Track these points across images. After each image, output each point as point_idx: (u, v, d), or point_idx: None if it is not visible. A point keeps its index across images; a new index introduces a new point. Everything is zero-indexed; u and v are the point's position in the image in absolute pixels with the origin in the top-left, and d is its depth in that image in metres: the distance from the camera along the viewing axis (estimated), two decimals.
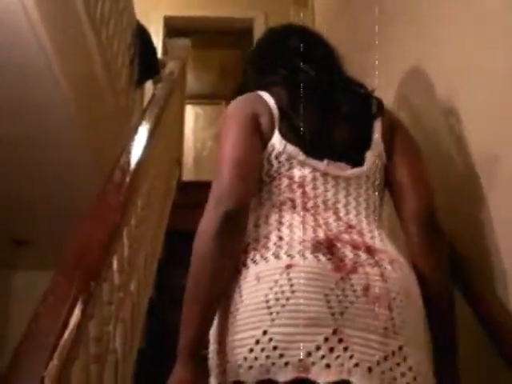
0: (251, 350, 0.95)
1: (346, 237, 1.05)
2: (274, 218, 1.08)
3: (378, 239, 1.09)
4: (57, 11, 2.55)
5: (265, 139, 1.13)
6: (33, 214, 3.75)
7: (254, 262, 1.02)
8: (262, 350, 0.94)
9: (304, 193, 1.10)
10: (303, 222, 1.05)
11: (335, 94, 1.21)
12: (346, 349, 0.92)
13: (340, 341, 0.93)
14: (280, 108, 1.15)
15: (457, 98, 1.36)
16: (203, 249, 1.03)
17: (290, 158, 1.13)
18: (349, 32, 2.49)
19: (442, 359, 1.08)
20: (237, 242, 1.05)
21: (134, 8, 3.82)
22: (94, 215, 1.53)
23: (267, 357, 0.93)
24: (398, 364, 0.94)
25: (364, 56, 2.05)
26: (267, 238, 1.04)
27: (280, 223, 1.06)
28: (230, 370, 0.97)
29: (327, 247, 1.01)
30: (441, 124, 1.45)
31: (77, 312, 1.14)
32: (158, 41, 4.97)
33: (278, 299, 0.96)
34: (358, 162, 1.15)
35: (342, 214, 1.10)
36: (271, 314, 0.95)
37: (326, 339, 0.93)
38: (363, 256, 1.02)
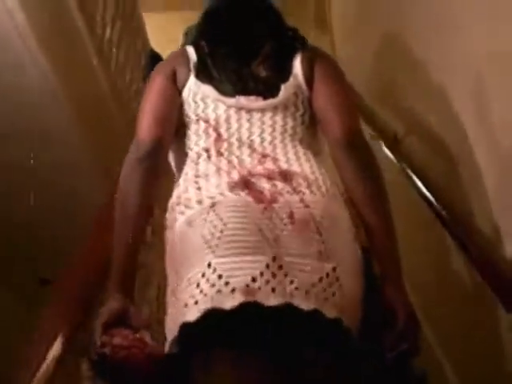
0: (198, 285, 0.97)
1: (259, 169, 1.09)
2: (191, 173, 1.15)
3: (293, 161, 1.12)
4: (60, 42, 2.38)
5: (181, 86, 1.22)
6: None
7: (181, 213, 1.08)
8: (207, 280, 0.96)
9: (219, 136, 1.17)
10: (218, 169, 1.11)
11: (255, 35, 1.28)
12: (286, 275, 0.97)
13: (280, 267, 0.97)
14: (199, 55, 1.24)
15: (485, 84, 1.41)
16: (126, 183, 1.13)
17: (204, 98, 1.20)
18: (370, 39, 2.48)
19: (385, 274, 1.10)
20: (156, 177, 1.15)
21: (147, 34, 3.68)
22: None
23: (212, 285, 0.95)
24: (331, 284, 0.98)
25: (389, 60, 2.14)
26: (187, 191, 1.10)
27: (197, 176, 1.12)
28: (179, 314, 0.98)
29: (243, 185, 1.05)
30: (469, 109, 1.51)
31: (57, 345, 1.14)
32: None
33: (212, 234, 1.00)
34: (272, 94, 1.19)
35: (256, 145, 1.15)
36: (210, 247, 0.99)
37: (268, 266, 0.96)
38: (280, 185, 1.06)
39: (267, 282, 0.96)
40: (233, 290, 0.95)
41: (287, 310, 0.95)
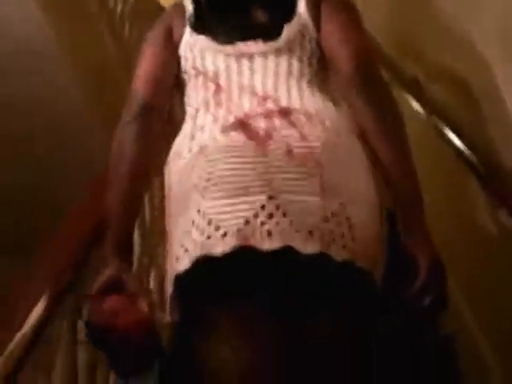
0: (188, 233, 0.91)
1: (258, 109, 1.02)
2: (188, 126, 1.09)
3: (296, 98, 1.04)
4: None
5: (177, 41, 1.16)
6: None
7: (174, 164, 1.05)
8: (197, 227, 0.90)
9: (218, 87, 1.10)
10: (215, 118, 1.04)
11: None
12: (284, 215, 0.89)
13: (277, 207, 0.89)
14: (195, 5, 1.17)
15: None
16: (119, 141, 1.09)
17: (201, 50, 1.13)
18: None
19: (405, 218, 0.99)
20: (151, 137, 1.10)
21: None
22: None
23: (202, 232, 0.89)
24: (339, 224, 0.90)
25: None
26: (180, 144, 1.06)
27: (194, 129, 1.06)
28: (171, 268, 0.94)
29: (237, 125, 0.98)
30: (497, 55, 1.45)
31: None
32: None
33: (200, 176, 0.94)
34: (274, 36, 1.11)
35: (258, 90, 1.07)
36: (199, 191, 0.93)
37: (263, 206, 0.89)
38: (277, 121, 0.99)
39: (262, 223, 0.88)
40: (224, 235, 0.88)
41: (287, 254, 0.87)
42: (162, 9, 3.75)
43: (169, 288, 0.96)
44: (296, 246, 0.87)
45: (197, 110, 1.11)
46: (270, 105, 1.03)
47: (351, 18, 1.16)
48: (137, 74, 1.17)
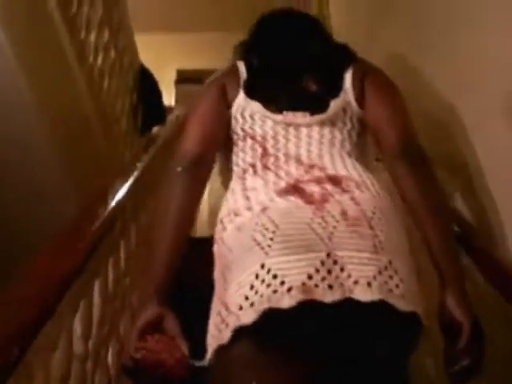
0: (252, 287, 0.94)
1: (307, 177, 1.09)
2: (238, 188, 1.15)
3: (340, 167, 1.13)
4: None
5: (230, 102, 1.25)
6: None
7: (231, 221, 1.08)
8: (263, 281, 0.94)
9: (265, 151, 1.18)
10: (265, 182, 1.11)
11: (305, 50, 1.31)
12: (342, 269, 0.95)
13: (335, 262, 0.95)
14: (249, 71, 1.27)
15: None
16: (168, 191, 1.16)
17: (252, 114, 1.22)
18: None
19: (446, 285, 1.07)
20: (198, 190, 1.18)
21: (137, 50, 3.44)
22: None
23: (268, 286, 0.93)
24: (391, 277, 0.97)
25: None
26: (235, 202, 1.11)
27: (244, 189, 1.12)
28: (231, 319, 0.95)
29: (292, 190, 1.06)
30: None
31: None
32: (170, 94, 4.69)
33: (264, 235, 0.99)
34: (321, 110, 1.20)
35: (303, 158, 1.15)
36: (263, 248, 0.97)
37: (323, 262, 0.95)
38: (329, 187, 1.06)
39: (323, 278, 0.94)
40: (289, 289, 0.92)
41: (348, 305, 0.93)
42: (141, 66, 3.69)
43: (216, 336, 0.97)
44: (356, 296, 0.93)
45: (244, 171, 1.18)
46: (316, 172, 1.10)
47: (395, 97, 1.25)
48: (190, 124, 1.24)
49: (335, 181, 1.07)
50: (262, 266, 0.95)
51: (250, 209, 1.05)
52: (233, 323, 0.94)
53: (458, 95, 1.61)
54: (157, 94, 3.73)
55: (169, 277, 1.08)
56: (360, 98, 1.22)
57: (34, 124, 2.52)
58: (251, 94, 1.23)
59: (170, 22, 5.32)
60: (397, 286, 0.96)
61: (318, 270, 0.94)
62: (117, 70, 3.28)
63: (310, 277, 0.93)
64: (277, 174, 1.11)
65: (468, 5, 1.56)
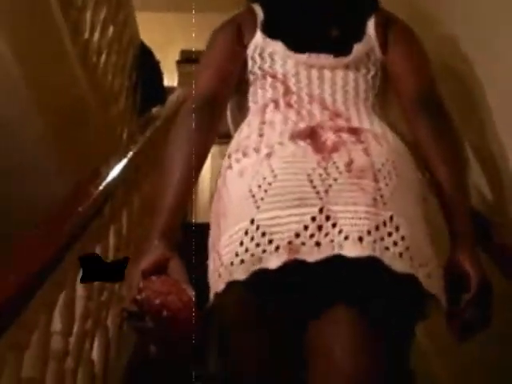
0: (241, 243, 0.94)
1: (329, 123, 1.06)
2: (256, 120, 1.11)
3: (366, 123, 1.09)
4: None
5: (247, 43, 1.20)
6: None
7: (237, 160, 1.05)
8: (252, 239, 0.93)
9: (287, 89, 1.14)
10: (285, 118, 1.08)
11: None
12: (334, 225, 0.92)
13: (327, 218, 0.92)
14: (266, 11, 1.22)
15: None
16: (178, 130, 1.12)
17: (272, 54, 1.17)
18: None
19: (456, 235, 1.06)
20: (211, 127, 1.13)
21: (137, 27, 3.33)
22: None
23: (257, 245, 0.92)
24: (390, 234, 0.92)
25: None
26: (248, 138, 1.07)
27: (262, 123, 1.09)
28: (224, 272, 0.95)
29: (308, 134, 1.02)
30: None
31: None
32: (173, 74, 4.59)
33: (260, 186, 0.97)
34: (344, 52, 1.17)
35: (328, 103, 1.12)
36: (256, 201, 0.95)
37: (314, 218, 0.92)
38: (345, 136, 1.03)
39: (312, 235, 0.91)
40: (276, 248, 0.91)
41: (336, 263, 0.89)
42: (141, 43, 3.59)
43: (214, 283, 0.98)
44: (344, 252, 0.89)
45: (265, 106, 1.14)
46: (341, 122, 1.07)
47: (417, 48, 1.24)
48: (204, 65, 1.21)
49: (354, 131, 1.04)
50: (252, 222, 0.94)
51: (257, 150, 1.02)
52: (225, 276, 0.94)
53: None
54: (157, 72, 3.62)
55: (176, 221, 1.04)
56: (383, 45, 1.20)
57: (23, 103, 2.43)
58: (270, 33, 1.18)
59: (176, 1, 5.20)
60: (395, 243, 0.91)
61: (306, 227, 0.91)
62: (115, 46, 3.17)
63: (297, 234, 0.90)
64: (299, 113, 1.08)
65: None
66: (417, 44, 1.25)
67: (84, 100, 2.77)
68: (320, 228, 0.91)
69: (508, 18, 1.34)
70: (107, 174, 1.73)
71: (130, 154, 2.09)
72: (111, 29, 3.09)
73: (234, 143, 1.11)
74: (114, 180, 1.77)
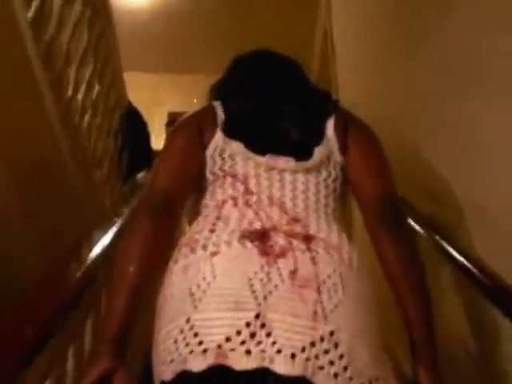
0: (175, 342, 0.92)
1: (285, 227, 1.04)
2: (212, 215, 1.09)
3: (324, 232, 1.06)
4: None
5: (206, 143, 1.19)
6: None
7: (185, 256, 1.03)
8: (184, 338, 0.91)
9: (247, 189, 1.12)
10: (242, 216, 1.06)
11: (286, 95, 1.26)
12: (268, 334, 0.88)
13: (262, 326, 0.88)
14: (227, 111, 1.22)
15: None
16: (130, 237, 1.07)
17: (232, 155, 1.16)
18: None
19: (416, 355, 1.02)
20: (167, 232, 1.09)
21: (125, 87, 3.07)
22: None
23: (187, 345, 0.90)
24: (327, 351, 0.87)
25: None
26: (200, 232, 1.06)
27: (217, 218, 1.07)
28: (156, 370, 0.96)
29: (258, 236, 1.01)
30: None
31: None
32: (161, 138, 4.35)
33: (199, 285, 0.95)
34: (305, 156, 1.16)
35: (288, 208, 1.09)
36: (194, 301, 0.94)
37: (248, 324, 0.88)
38: (295, 243, 1.00)
39: (243, 342, 0.86)
40: (204, 351, 0.87)
41: (263, 377, 0.84)
42: (129, 103, 3.34)
43: (155, 377, 0.96)
44: (274, 368, 0.84)
45: (224, 202, 1.11)
46: (298, 228, 1.04)
47: (376, 147, 1.22)
48: (162, 163, 1.18)
49: (307, 239, 1.01)
50: (188, 321, 0.92)
51: (204, 248, 1.01)
52: (157, 374, 0.94)
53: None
54: (144, 135, 3.34)
55: (125, 329, 1.00)
56: (342, 148, 1.19)
57: None
58: (230, 133, 1.18)
59: (165, 62, 5.05)
60: (331, 362, 0.86)
61: (239, 332, 0.87)
62: (100, 107, 2.89)
63: (228, 339, 0.87)
64: (257, 214, 1.06)
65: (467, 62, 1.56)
66: (376, 147, 1.22)
67: (62, 163, 2.43)
68: (253, 335, 0.87)
69: None
70: (91, 249, 1.54)
71: (114, 228, 1.78)
72: (97, 87, 2.81)
73: (187, 235, 1.09)
74: (96, 260, 1.53)
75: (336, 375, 0.85)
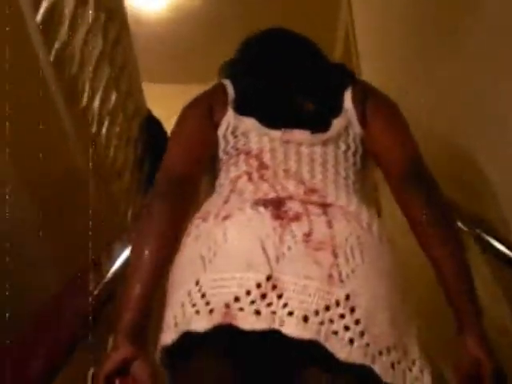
0: (182, 305, 0.90)
1: (302, 196, 1.01)
2: (227, 189, 1.07)
3: (343, 201, 1.02)
4: None
5: (217, 122, 1.15)
6: None
7: (196, 226, 1.02)
8: (191, 300, 0.89)
9: (261, 164, 1.08)
10: (257, 189, 1.03)
11: (299, 67, 1.22)
12: (280, 296, 0.85)
13: (274, 287, 0.85)
14: (237, 89, 1.18)
15: None
16: (145, 221, 1.05)
17: (246, 132, 1.12)
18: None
19: (463, 324, 0.96)
20: (180, 214, 1.06)
21: (143, 95, 2.98)
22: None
23: (193, 306, 0.88)
24: (342, 315, 0.84)
25: None
26: (214, 204, 1.04)
27: (231, 191, 1.05)
28: (163, 335, 0.94)
29: (273, 202, 0.98)
30: None
31: None
32: None
33: (210, 248, 0.93)
34: (322, 128, 1.12)
35: (305, 179, 1.05)
36: (204, 263, 0.92)
37: (259, 285, 0.86)
38: (311, 208, 0.97)
39: (252, 302, 0.84)
40: (211, 311, 0.85)
41: (273, 338, 0.81)
42: (149, 112, 3.27)
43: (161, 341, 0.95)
44: (284, 329, 0.81)
45: (238, 177, 1.07)
46: (315, 198, 1.00)
47: (397, 119, 1.18)
48: (174, 144, 1.17)
49: (324, 206, 0.98)
50: (197, 283, 0.90)
51: (216, 216, 0.99)
52: (162, 339, 0.93)
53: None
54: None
55: (142, 314, 0.97)
56: (362, 119, 1.16)
57: (10, 182, 2.01)
58: (242, 110, 1.15)
59: (185, 73, 4.98)
60: (346, 327, 0.83)
61: (248, 292, 0.85)
62: (119, 115, 2.79)
63: (236, 299, 0.85)
64: (272, 186, 1.03)
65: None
66: (397, 115, 1.19)
67: (79, 175, 2.33)
68: (264, 296, 0.85)
69: None
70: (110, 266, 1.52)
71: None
72: (114, 95, 2.71)
73: (200, 210, 1.08)
74: (117, 273, 1.52)
75: (351, 341, 0.82)
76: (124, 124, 2.88)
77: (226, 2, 4.46)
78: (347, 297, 0.85)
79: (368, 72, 3.45)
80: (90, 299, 1.35)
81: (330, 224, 0.93)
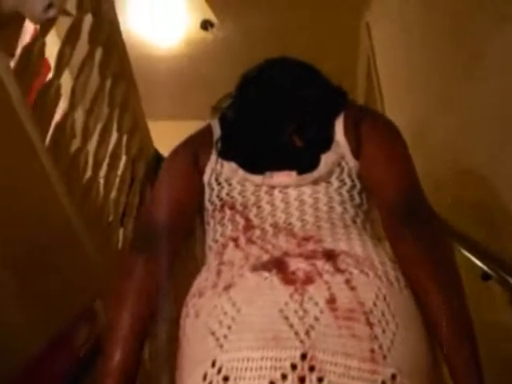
0: None
1: (298, 250, 0.91)
2: (214, 262, 0.97)
3: (343, 239, 0.93)
4: None
5: (202, 167, 1.09)
6: None
7: (193, 305, 0.91)
8: None
9: (248, 224, 1.00)
10: (246, 255, 0.94)
11: (288, 102, 1.13)
12: (320, 380, 0.75)
13: (311, 369, 0.75)
14: (223, 128, 1.13)
15: None
16: (123, 279, 0.98)
17: (228, 179, 1.06)
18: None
19: None
20: (161, 270, 1.00)
21: (149, 134, 2.76)
22: None
23: None
24: None
25: None
26: (206, 280, 0.94)
27: (221, 264, 0.95)
28: None
29: (273, 264, 0.88)
30: None
31: None
32: None
33: (221, 322, 0.82)
34: (310, 167, 1.02)
35: (296, 229, 0.97)
36: (218, 339, 0.80)
37: (294, 366, 0.75)
38: (320, 263, 0.86)
39: None
40: None
41: None
42: (155, 152, 3.12)
43: None
44: None
45: (224, 246, 0.99)
46: (311, 246, 0.90)
47: (394, 141, 1.05)
48: (156, 196, 1.11)
49: (329, 255, 0.87)
50: (213, 364, 0.77)
51: (214, 287, 0.88)
52: None
53: None
54: None
55: (133, 363, 0.91)
56: (355, 149, 1.03)
57: None
58: (225, 153, 1.07)
59: (180, 111, 4.74)
60: None
61: (285, 376, 0.73)
62: (121, 157, 2.53)
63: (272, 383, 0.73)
64: (262, 248, 0.93)
65: None
66: (393, 139, 1.05)
67: (70, 226, 2.02)
68: (302, 381, 0.74)
69: None
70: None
71: None
72: (114, 135, 2.47)
73: (191, 289, 0.96)
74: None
75: None
76: (127, 166, 2.63)
77: (239, 35, 4.26)
78: (393, 376, 0.76)
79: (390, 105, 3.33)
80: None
81: (349, 284, 0.83)
